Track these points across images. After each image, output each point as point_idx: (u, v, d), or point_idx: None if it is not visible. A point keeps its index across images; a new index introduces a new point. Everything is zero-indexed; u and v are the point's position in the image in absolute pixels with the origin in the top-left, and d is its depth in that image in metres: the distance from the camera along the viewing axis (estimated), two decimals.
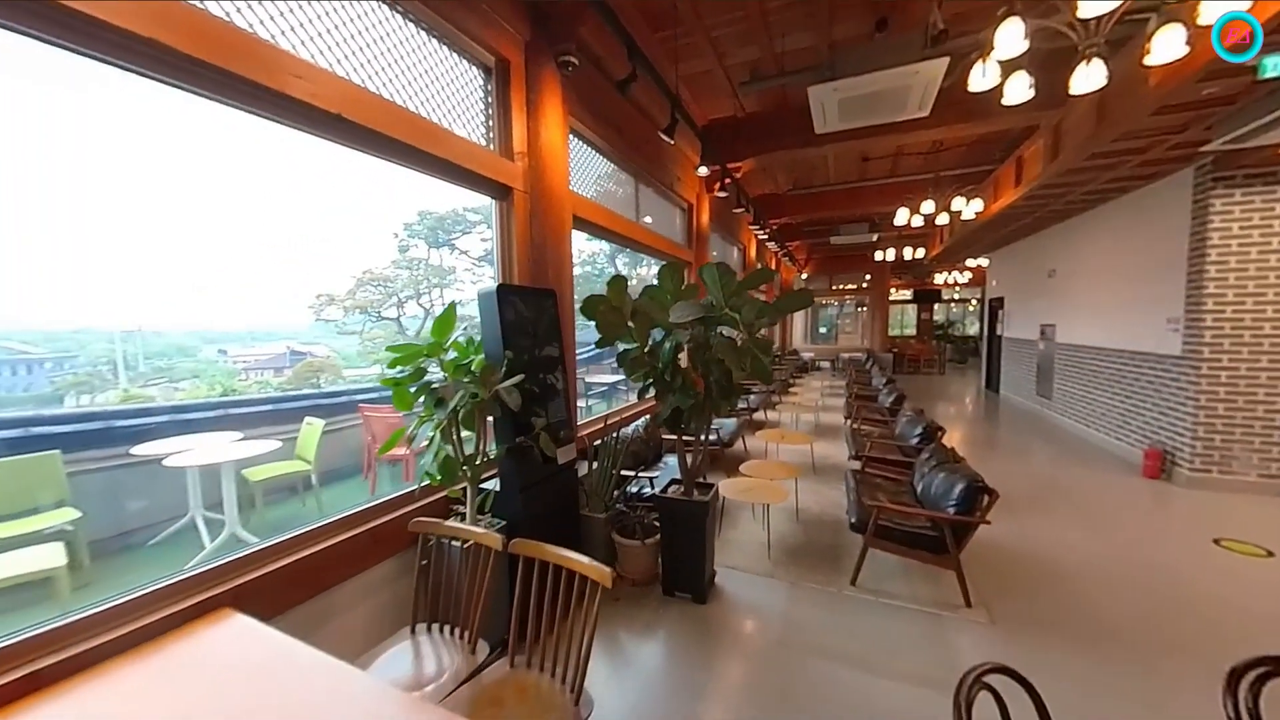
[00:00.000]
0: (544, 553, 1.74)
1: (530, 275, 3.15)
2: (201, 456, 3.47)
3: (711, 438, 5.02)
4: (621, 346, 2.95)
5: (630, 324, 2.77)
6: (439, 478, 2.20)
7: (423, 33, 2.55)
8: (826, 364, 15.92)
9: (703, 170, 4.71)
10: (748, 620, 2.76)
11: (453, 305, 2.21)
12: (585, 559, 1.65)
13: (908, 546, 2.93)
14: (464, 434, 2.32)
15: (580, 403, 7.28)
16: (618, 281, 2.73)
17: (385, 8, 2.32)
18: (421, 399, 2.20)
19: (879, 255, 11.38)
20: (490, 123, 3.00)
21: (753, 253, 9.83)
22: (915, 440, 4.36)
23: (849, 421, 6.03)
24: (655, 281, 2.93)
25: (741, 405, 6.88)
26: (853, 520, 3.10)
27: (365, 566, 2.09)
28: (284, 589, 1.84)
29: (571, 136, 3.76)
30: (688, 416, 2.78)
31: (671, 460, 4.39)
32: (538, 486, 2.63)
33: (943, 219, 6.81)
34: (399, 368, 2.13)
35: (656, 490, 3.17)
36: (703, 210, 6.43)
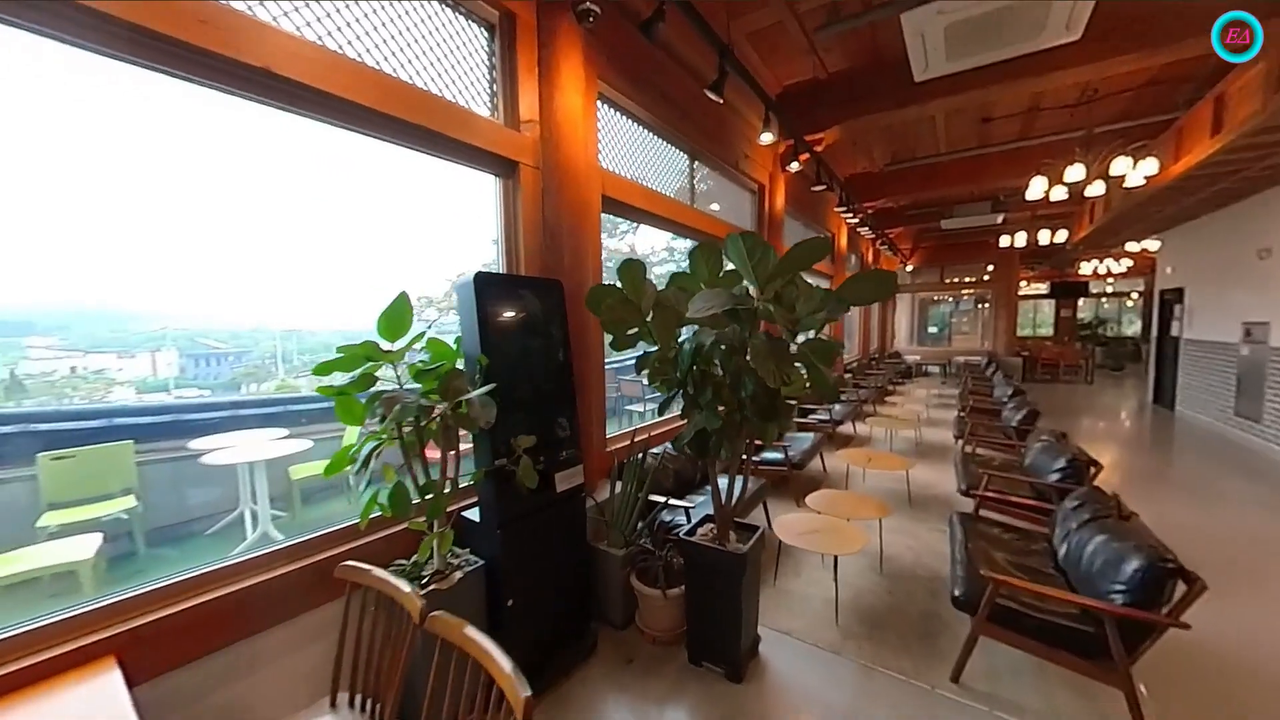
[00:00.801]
0: (461, 638, 1.25)
1: (541, 265, 2.70)
2: (237, 454, 3.48)
3: (777, 455, 4.26)
4: (645, 349, 2.38)
5: (649, 320, 2.20)
6: (390, 510, 1.80)
7: None
8: (936, 369, 13.90)
9: (767, 137, 3.97)
10: (796, 718, 2.06)
11: (402, 296, 1.80)
12: (507, 665, 1.13)
13: (1042, 642, 2.03)
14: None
15: (637, 407, 6.80)
16: (631, 268, 2.17)
17: None
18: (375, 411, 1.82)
19: (1005, 241, 9.53)
20: (495, 88, 2.59)
21: (843, 241, 8.68)
22: (1055, 477, 3.26)
23: (960, 443, 4.89)
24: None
25: (822, 418, 5.94)
26: (957, 593, 2.24)
27: (297, 612, 1.75)
28: (190, 635, 1.54)
29: (604, 105, 3.26)
30: (716, 441, 2.14)
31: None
32: (527, 519, 2.16)
33: (1095, 189, 5.31)
34: (339, 373, 1.76)
35: (694, 521, 2.55)
36: (776, 192, 5.62)
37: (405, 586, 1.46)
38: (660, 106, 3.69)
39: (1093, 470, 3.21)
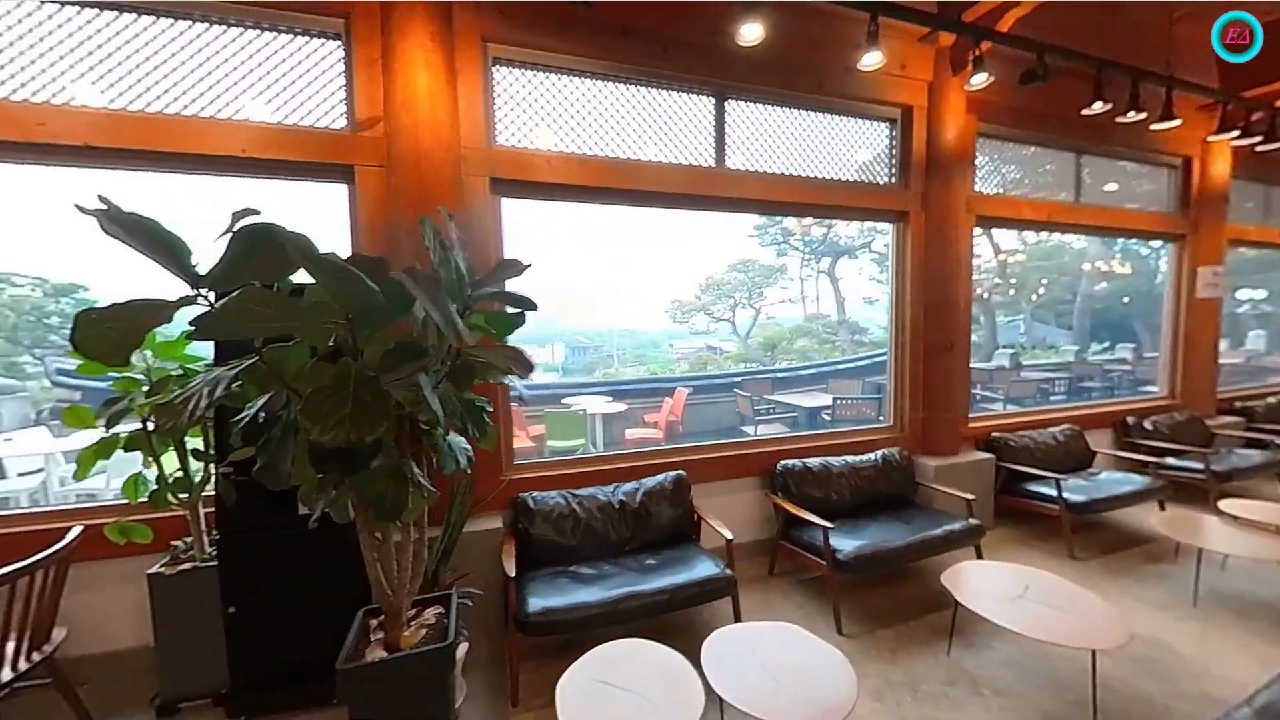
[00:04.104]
0: None
1: None
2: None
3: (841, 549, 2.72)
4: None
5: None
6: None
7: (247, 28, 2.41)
8: None
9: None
10: None
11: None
12: None
13: None
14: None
15: (748, 428, 5.48)
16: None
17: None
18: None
19: None
20: (347, 94, 2.56)
21: (1217, 168, 4.69)
22: None
23: None
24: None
25: (1045, 493, 3.38)
26: None
27: None
28: None
29: (514, 70, 2.76)
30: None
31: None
32: (266, 534, 2.07)
33: None
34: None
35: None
36: (943, 115, 3.50)
37: None
38: (616, 47, 2.82)
39: None
